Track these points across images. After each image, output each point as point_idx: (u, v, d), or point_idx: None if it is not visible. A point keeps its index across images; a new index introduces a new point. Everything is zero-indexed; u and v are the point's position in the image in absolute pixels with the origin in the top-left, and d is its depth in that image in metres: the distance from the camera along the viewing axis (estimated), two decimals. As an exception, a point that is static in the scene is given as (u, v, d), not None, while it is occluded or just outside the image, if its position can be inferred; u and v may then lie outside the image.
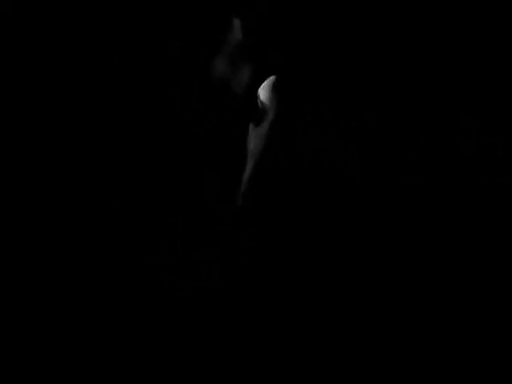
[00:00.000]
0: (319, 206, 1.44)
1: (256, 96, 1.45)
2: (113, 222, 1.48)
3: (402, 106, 1.48)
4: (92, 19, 1.51)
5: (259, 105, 1.44)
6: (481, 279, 1.43)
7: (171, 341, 1.42)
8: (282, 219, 1.44)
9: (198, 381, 1.40)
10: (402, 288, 1.42)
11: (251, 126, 1.44)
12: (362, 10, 1.49)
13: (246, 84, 1.45)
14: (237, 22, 1.43)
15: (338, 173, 1.44)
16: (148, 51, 1.44)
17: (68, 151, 1.50)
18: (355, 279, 1.43)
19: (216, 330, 1.42)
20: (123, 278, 1.45)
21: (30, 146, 1.50)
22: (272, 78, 1.43)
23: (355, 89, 1.49)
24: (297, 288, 1.42)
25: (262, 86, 1.44)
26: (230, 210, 1.49)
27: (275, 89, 1.42)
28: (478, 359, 1.39)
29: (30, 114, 1.52)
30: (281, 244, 1.46)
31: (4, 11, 1.52)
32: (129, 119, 1.49)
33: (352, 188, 1.46)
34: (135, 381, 1.40)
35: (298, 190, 1.43)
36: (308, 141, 1.44)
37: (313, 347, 1.40)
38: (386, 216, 1.45)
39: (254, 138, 1.43)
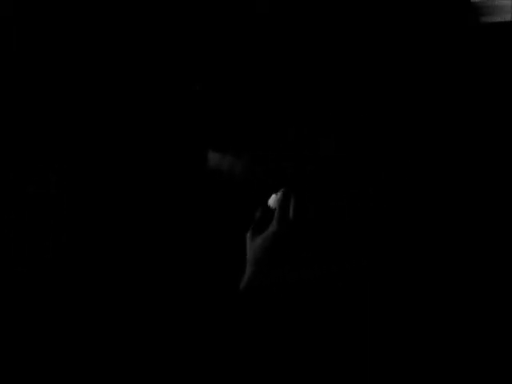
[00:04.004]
0: None
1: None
2: (113, 222, 1.48)
3: (402, 106, 1.49)
4: (92, 20, 1.52)
5: (263, 212, 1.39)
6: (481, 279, 1.43)
7: (171, 340, 1.42)
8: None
9: (198, 381, 1.40)
10: (402, 288, 1.43)
11: (252, 229, 1.37)
12: (362, 10, 1.50)
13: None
14: None
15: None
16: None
17: (69, 151, 1.51)
18: (355, 279, 1.43)
19: (216, 330, 1.41)
20: (123, 277, 1.46)
21: (29, 146, 1.51)
22: (284, 190, 1.37)
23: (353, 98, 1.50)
24: (297, 288, 1.42)
25: (273, 195, 1.39)
26: (230, 211, 1.50)
27: (287, 202, 1.35)
28: (478, 359, 1.39)
29: (29, 115, 1.52)
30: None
31: (4, 14, 1.53)
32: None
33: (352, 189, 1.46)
34: (135, 381, 1.40)
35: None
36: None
37: (313, 347, 1.40)
38: (386, 216, 1.45)
39: (255, 245, 1.34)
